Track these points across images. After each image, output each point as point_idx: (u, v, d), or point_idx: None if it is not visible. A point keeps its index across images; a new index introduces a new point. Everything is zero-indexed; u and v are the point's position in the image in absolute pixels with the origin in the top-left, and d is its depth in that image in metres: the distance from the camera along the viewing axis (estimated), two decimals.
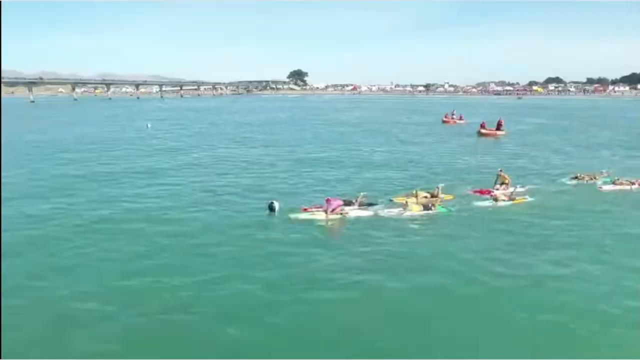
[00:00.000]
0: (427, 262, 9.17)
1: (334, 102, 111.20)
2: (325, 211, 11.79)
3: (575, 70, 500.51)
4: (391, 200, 13.19)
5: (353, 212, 12.10)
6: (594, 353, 6.06)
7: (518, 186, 14.56)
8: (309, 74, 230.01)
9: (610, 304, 7.31)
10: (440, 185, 13.78)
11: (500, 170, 15.02)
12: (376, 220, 11.84)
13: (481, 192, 14.32)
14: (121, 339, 6.54)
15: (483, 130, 32.91)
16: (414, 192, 13.42)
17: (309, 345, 6.36)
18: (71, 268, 8.93)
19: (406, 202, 12.64)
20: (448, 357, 6.14)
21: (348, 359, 6.13)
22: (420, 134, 35.68)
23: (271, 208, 11.85)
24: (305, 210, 12.07)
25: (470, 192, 14.42)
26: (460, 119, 46.15)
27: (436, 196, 13.24)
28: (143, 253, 9.57)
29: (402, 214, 12.17)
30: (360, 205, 12.41)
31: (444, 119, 46.17)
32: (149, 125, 39.38)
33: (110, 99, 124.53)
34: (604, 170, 16.77)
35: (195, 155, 23.52)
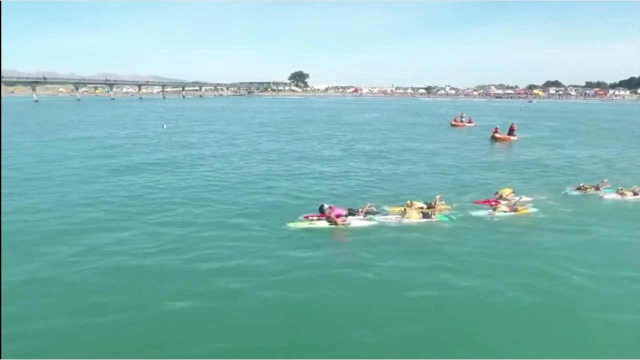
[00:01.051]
0: (425, 271, 9.21)
1: (338, 104, 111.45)
2: (327, 219, 11.76)
3: (573, 74, 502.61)
4: (384, 210, 12.98)
5: (354, 221, 11.95)
6: None
7: (522, 197, 14.34)
8: (309, 76, 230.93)
9: (617, 324, 7.40)
10: (438, 196, 13.48)
11: (496, 193, 14.61)
12: (375, 229, 11.70)
13: (484, 202, 14.15)
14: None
15: (497, 135, 32.92)
16: (409, 202, 13.23)
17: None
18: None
19: (404, 209, 12.52)
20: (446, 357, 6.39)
21: (346, 358, 6.34)
22: (434, 137, 35.80)
23: (321, 210, 12.12)
24: (306, 217, 12.09)
25: (473, 203, 14.23)
26: (470, 122, 46.49)
27: (433, 206, 12.99)
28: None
29: (401, 222, 12.08)
30: (366, 214, 12.26)
31: (453, 122, 46.40)
32: (164, 126, 39.50)
33: (113, 99, 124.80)
34: (605, 180, 16.56)
35: (224, 156, 23.75)
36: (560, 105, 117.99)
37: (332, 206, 12.13)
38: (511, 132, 33.53)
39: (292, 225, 11.75)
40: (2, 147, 22.13)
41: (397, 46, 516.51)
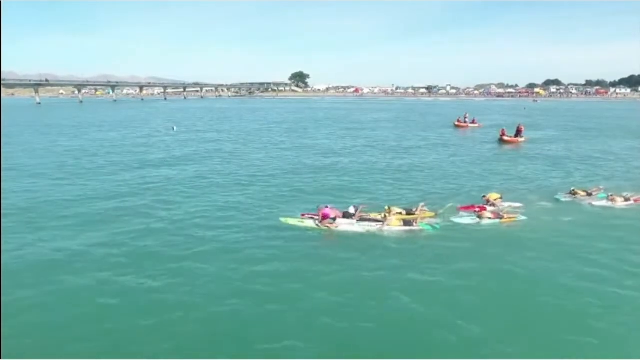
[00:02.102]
0: (395, 282, 9.07)
1: (342, 104, 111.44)
2: (316, 219, 11.81)
3: (572, 73, 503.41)
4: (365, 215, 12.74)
5: (343, 225, 11.81)
6: None
7: (510, 203, 14.17)
8: (310, 76, 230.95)
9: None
10: (421, 204, 13.08)
11: (484, 197, 14.44)
12: (353, 235, 11.59)
13: (469, 208, 13.75)
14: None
15: (505, 138, 32.84)
16: (387, 207, 12.92)
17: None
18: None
19: (385, 216, 12.27)
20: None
21: (342, 359, 6.47)
22: (443, 138, 35.97)
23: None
24: (302, 215, 12.23)
25: (457, 208, 13.82)
26: (473, 122, 46.26)
27: (413, 213, 12.72)
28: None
29: (382, 229, 11.85)
30: (361, 219, 12.07)
31: (457, 123, 46.24)
32: (175, 129, 39.25)
33: (115, 100, 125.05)
34: (600, 185, 16.44)
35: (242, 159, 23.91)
36: (564, 104, 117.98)
37: (327, 207, 12.18)
38: (518, 133, 33.39)
39: (282, 220, 12.12)
40: (3, 147, 22.77)
41: (398, 46, 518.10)
